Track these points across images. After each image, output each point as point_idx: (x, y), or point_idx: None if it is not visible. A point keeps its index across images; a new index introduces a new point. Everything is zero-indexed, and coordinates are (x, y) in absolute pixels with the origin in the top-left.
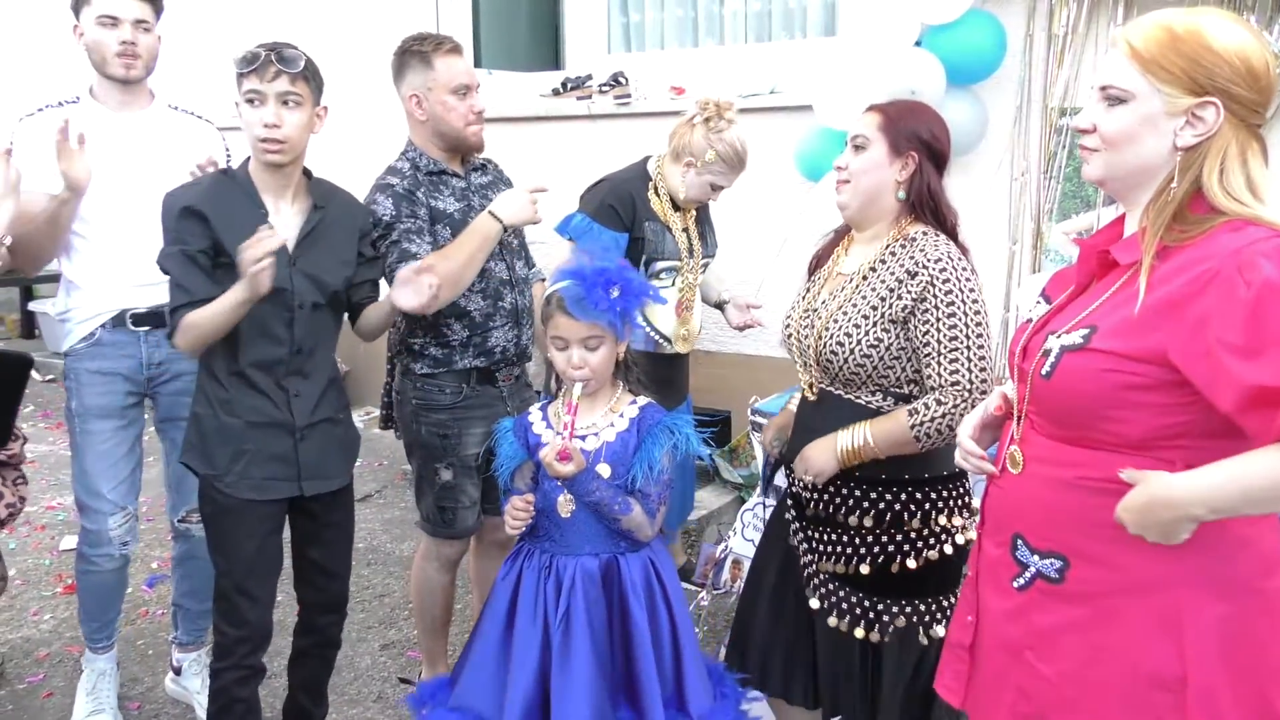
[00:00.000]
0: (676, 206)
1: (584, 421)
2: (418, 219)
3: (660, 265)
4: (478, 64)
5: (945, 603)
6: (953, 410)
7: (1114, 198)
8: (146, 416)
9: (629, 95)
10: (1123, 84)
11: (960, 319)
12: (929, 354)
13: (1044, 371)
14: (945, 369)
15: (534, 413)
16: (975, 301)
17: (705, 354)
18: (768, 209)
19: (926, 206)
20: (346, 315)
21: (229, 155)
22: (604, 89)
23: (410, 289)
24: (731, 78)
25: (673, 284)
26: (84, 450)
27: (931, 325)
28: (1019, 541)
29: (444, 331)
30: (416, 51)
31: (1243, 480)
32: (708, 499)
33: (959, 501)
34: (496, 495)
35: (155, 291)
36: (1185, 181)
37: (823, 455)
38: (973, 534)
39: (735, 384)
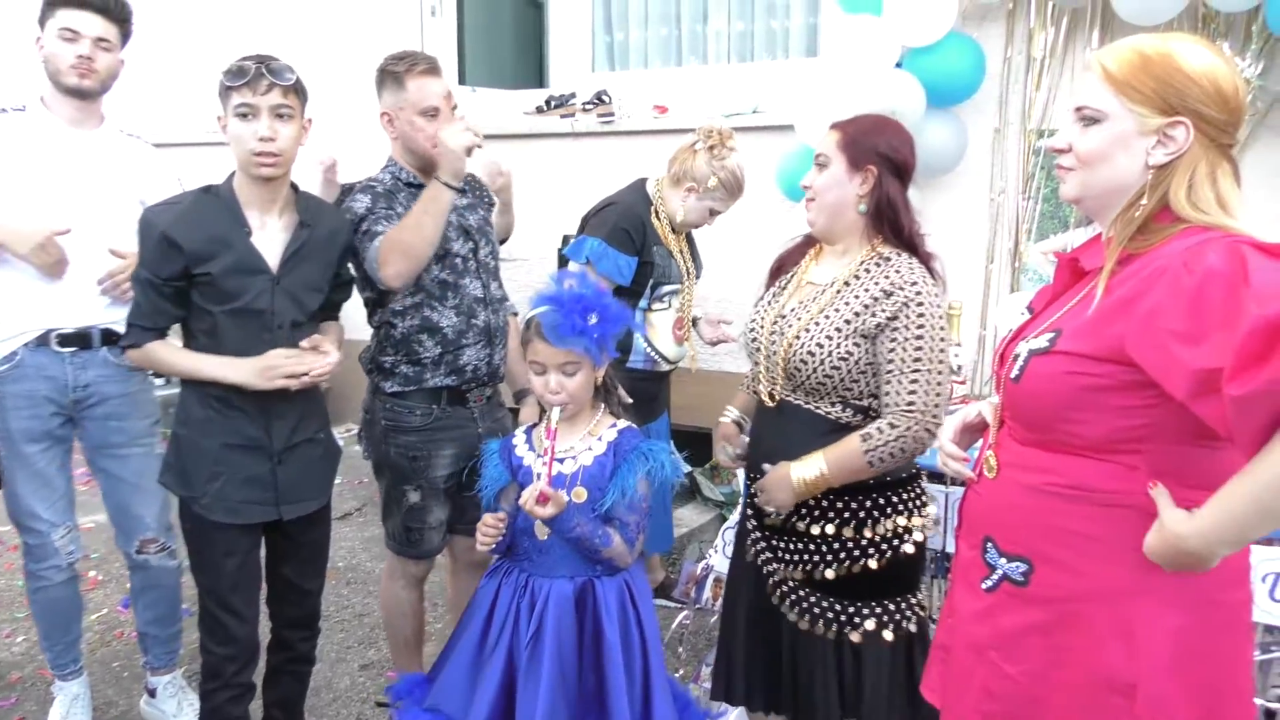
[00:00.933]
0: (672, 229)
1: (563, 444)
2: (393, 211)
3: (666, 289)
4: (462, 81)
5: (911, 600)
6: (905, 434)
7: (1089, 215)
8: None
9: (612, 114)
10: (1097, 104)
11: (926, 344)
12: (891, 371)
13: (1013, 375)
14: (904, 390)
15: (518, 435)
16: (942, 329)
17: (686, 372)
18: (749, 227)
19: (886, 217)
20: None
21: (180, 180)
22: (587, 107)
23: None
24: (714, 97)
25: (669, 306)
26: (14, 474)
27: (898, 344)
28: (989, 544)
29: (416, 348)
30: (391, 72)
31: (1233, 511)
32: (689, 517)
33: (916, 501)
34: (474, 516)
35: (84, 311)
36: (1154, 199)
37: (780, 490)
38: (924, 533)
39: (716, 402)
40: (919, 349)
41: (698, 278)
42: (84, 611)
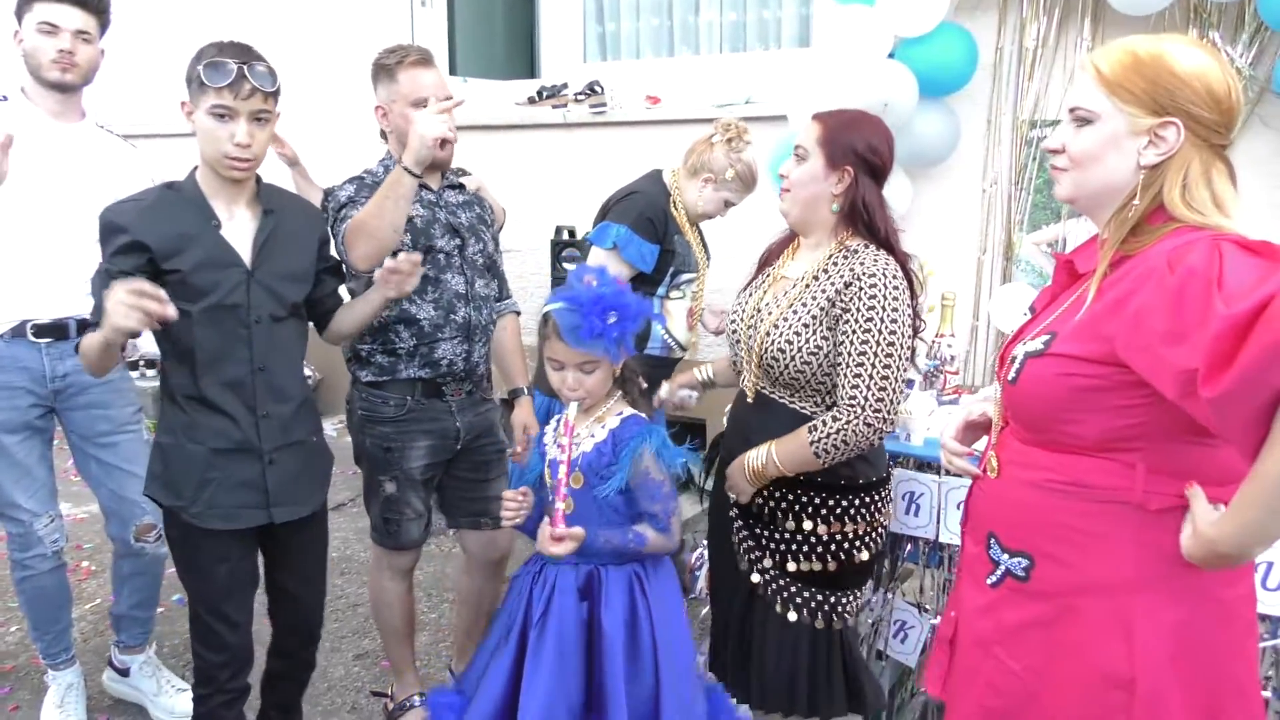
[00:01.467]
0: (688, 220)
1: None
2: None
3: (684, 277)
4: (453, 72)
5: (858, 593)
6: (845, 427)
7: (1084, 214)
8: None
9: (604, 104)
10: (1089, 105)
11: (874, 337)
12: (841, 363)
13: (1010, 377)
14: (848, 383)
15: (549, 425)
16: (894, 323)
17: (686, 364)
18: (742, 218)
19: (860, 220)
20: (313, 325)
21: (154, 181)
22: (579, 98)
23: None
24: (706, 88)
25: (684, 295)
26: None
27: (847, 336)
28: (992, 540)
29: (391, 338)
30: (383, 65)
31: (1246, 516)
32: (683, 508)
33: (883, 504)
34: (478, 510)
35: (60, 302)
36: (1146, 199)
37: (738, 478)
38: (883, 534)
39: (711, 392)
40: (864, 342)
41: (708, 267)
42: (77, 601)
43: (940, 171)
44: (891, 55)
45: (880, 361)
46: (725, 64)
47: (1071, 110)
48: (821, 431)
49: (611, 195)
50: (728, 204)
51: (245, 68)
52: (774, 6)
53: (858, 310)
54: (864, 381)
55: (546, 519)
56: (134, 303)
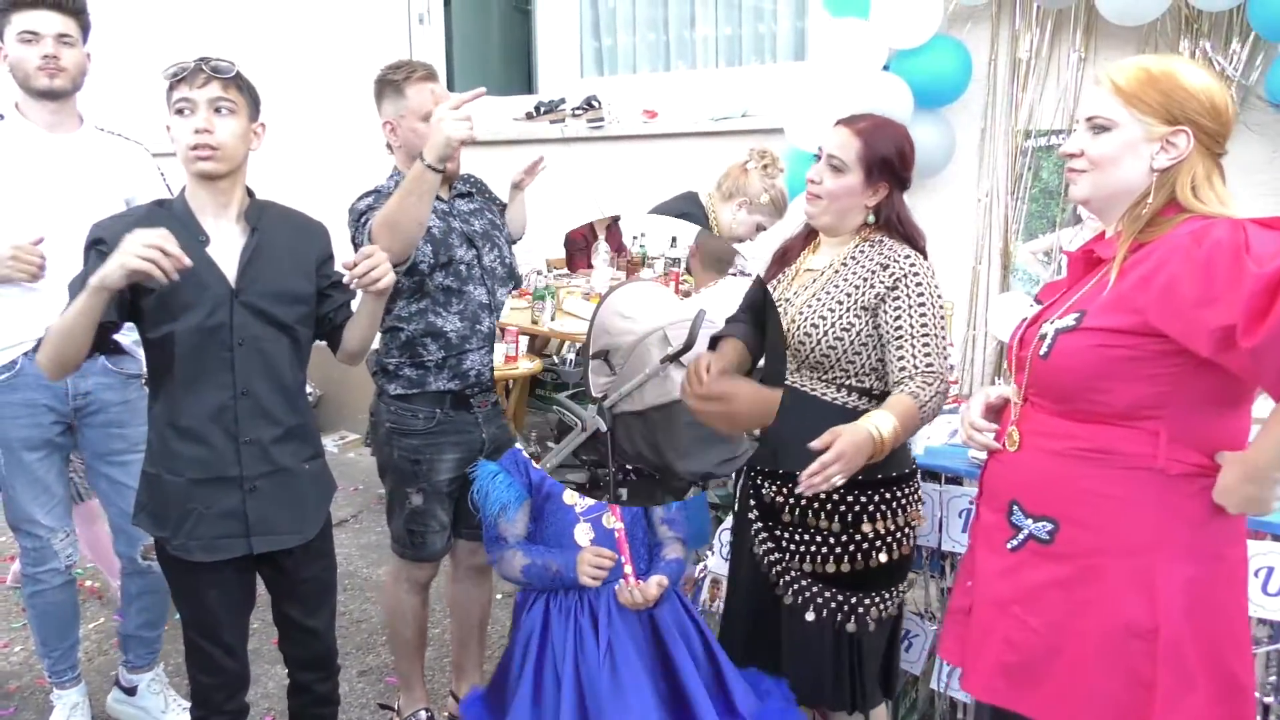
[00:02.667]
0: None
1: None
2: None
3: None
4: (451, 88)
5: (901, 589)
6: (936, 393)
7: (1095, 215)
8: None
9: (602, 119)
10: (1108, 114)
11: (928, 311)
12: (901, 338)
13: (1042, 353)
14: (919, 354)
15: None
16: (939, 299)
17: None
18: None
19: (895, 230)
20: (326, 344)
21: (164, 176)
22: (577, 112)
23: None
24: (703, 102)
25: None
26: (12, 481)
27: (904, 312)
28: (1015, 507)
29: (419, 351)
30: (389, 81)
31: (1273, 442)
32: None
33: (914, 496)
34: (476, 521)
35: None
36: (1160, 198)
37: (861, 453)
38: (918, 526)
39: None
40: (924, 315)
41: None
42: (81, 620)
43: (936, 182)
44: (886, 67)
45: (939, 334)
46: (721, 78)
47: (1089, 119)
48: (924, 396)
49: (656, 210)
50: (759, 228)
51: (201, 61)
52: (769, 20)
53: (907, 289)
54: (934, 352)
55: (627, 579)
56: (148, 249)
